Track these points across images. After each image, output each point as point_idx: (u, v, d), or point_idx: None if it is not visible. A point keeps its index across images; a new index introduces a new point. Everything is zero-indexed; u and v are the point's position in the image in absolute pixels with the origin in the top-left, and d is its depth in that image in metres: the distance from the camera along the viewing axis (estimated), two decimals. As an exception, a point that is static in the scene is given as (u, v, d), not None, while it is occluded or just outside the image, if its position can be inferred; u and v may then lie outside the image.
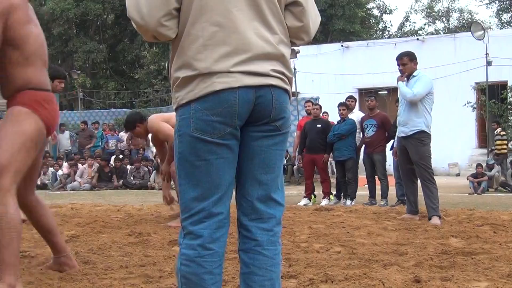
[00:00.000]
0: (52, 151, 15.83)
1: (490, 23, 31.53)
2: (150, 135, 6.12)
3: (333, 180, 9.24)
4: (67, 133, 16.89)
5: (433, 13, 33.66)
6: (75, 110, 23.24)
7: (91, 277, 3.35)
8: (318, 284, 3.13)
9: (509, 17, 30.69)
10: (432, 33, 30.06)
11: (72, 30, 26.24)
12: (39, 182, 11.31)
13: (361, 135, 8.68)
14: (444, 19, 34.02)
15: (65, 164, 14.40)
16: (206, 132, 1.88)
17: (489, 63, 14.44)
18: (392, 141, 7.97)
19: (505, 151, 12.95)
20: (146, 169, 13.65)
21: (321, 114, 9.17)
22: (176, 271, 1.96)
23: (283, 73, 1.97)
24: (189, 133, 1.90)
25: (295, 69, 15.00)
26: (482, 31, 14.51)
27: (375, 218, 6.26)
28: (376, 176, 8.44)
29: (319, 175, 8.89)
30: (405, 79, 6.25)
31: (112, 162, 14.40)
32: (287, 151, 10.60)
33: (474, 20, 27.16)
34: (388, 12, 31.27)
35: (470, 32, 14.83)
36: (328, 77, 17.38)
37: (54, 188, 13.59)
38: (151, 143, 15.48)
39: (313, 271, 3.43)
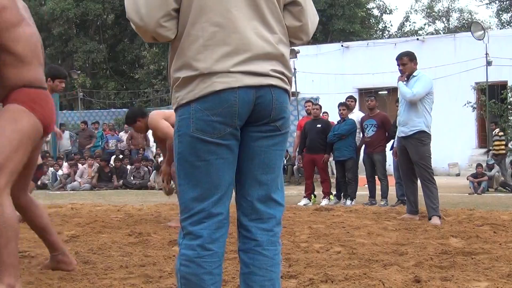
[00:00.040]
0: (52, 151, 15.81)
1: (490, 23, 31.59)
2: (150, 132, 6.11)
3: (333, 180, 9.24)
4: (67, 133, 16.86)
5: (433, 13, 33.67)
6: (75, 110, 23.26)
7: (91, 277, 3.35)
8: (318, 284, 3.13)
9: (509, 17, 30.69)
10: (432, 33, 30.08)
11: (72, 30, 26.24)
12: (39, 182, 11.29)
13: (361, 135, 8.68)
14: (444, 19, 34.04)
15: (65, 164, 14.40)
16: (206, 132, 1.88)
17: (489, 63, 14.45)
18: (392, 141, 7.97)
19: (503, 151, 12.95)
20: (146, 169, 13.66)
21: (321, 114, 9.16)
22: (175, 271, 1.95)
23: (283, 73, 1.97)
24: (189, 133, 1.89)
25: (295, 69, 15.00)
26: (482, 31, 14.52)
27: (375, 218, 6.26)
28: (376, 176, 8.44)
29: (319, 175, 8.89)
30: (405, 79, 6.25)
31: (112, 162, 14.40)
32: (287, 151, 10.60)
33: (474, 20, 27.21)
34: (388, 12, 31.30)
35: (470, 32, 14.84)
36: (328, 77, 17.38)
37: (54, 188, 13.59)
38: (151, 143, 15.58)
39: (313, 271, 3.43)
